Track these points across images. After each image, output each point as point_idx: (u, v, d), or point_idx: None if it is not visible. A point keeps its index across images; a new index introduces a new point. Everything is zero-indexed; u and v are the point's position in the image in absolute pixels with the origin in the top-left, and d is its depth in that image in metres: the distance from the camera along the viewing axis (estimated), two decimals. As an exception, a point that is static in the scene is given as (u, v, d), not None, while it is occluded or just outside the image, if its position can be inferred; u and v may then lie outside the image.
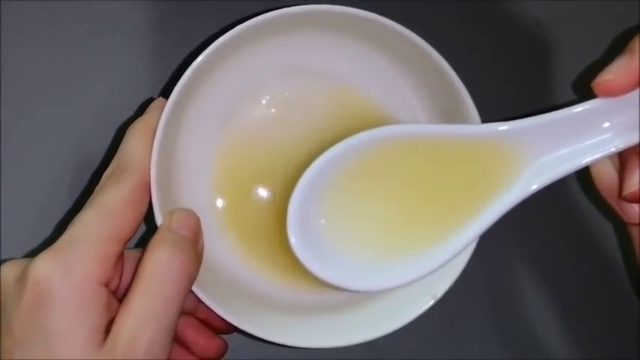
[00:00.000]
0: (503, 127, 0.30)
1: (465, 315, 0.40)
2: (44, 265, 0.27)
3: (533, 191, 0.30)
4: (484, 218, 0.30)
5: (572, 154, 0.29)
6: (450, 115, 0.34)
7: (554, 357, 0.40)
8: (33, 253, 0.28)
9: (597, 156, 0.29)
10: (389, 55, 0.35)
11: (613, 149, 0.29)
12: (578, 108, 0.29)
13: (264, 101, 0.36)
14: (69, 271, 0.27)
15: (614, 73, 0.28)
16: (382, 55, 0.35)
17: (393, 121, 0.36)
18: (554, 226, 0.41)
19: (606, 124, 0.29)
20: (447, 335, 0.39)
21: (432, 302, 0.32)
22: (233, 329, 0.33)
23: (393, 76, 0.35)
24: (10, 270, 0.28)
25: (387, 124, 0.35)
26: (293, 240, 0.30)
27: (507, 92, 0.41)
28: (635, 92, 0.28)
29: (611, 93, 0.28)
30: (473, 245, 0.33)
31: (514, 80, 0.41)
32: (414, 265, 0.30)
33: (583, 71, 0.41)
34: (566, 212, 0.41)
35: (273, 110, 0.36)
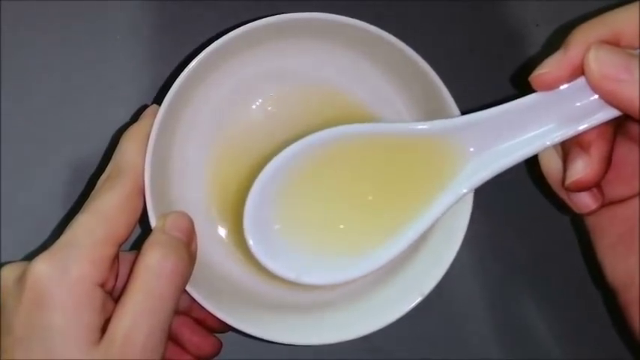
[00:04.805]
0: (422, 126, 0.31)
1: (464, 315, 0.40)
2: (42, 266, 0.28)
3: (476, 186, 0.30)
4: (430, 213, 0.30)
5: (513, 148, 0.30)
6: (435, 116, 0.34)
7: (554, 357, 0.40)
8: (31, 256, 0.29)
9: (536, 148, 0.29)
10: (375, 60, 0.35)
11: (548, 142, 0.29)
12: (516, 102, 0.29)
13: (255, 106, 0.37)
14: (65, 273, 0.28)
15: (549, 67, 0.28)
16: (369, 60, 0.36)
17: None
18: (554, 226, 0.41)
19: (545, 117, 0.29)
20: (447, 335, 0.40)
21: (419, 299, 0.33)
22: (227, 328, 0.33)
23: (379, 80, 0.36)
24: (10, 272, 0.29)
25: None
26: (251, 242, 0.31)
27: (507, 92, 0.40)
28: (572, 85, 0.28)
29: (546, 86, 0.28)
30: (458, 244, 0.33)
31: (514, 80, 0.41)
32: (364, 261, 0.31)
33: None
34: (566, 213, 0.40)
35: (265, 115, 0.37)
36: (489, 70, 0.41)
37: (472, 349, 0.40)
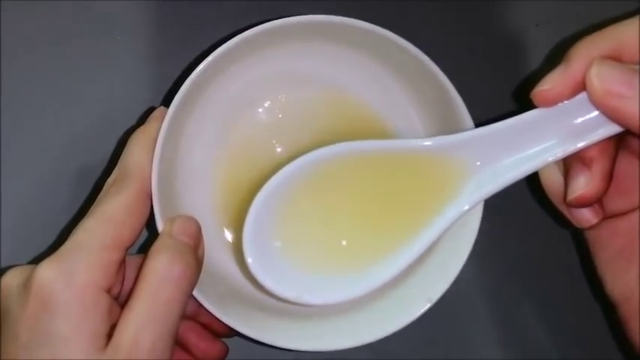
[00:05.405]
0: (425, 142, 0.30)
1: (464, 315, 0.40)
2: (48, 271, 0.27)
3: (478, 202, 0.30)
4: (432, 230, 0.30)
5: (514, 165, 0.29)
6: (445, 120, 0.34)
7: (554, 357, 0.40)
8: (36, 260, 0.28)
9: (537, 165, 0.29)
10: (384, 62, 0.35)
11: (550, 158, 0.29)
12: (518, 118, 0.29)
13: (264, 108, 0.37)
14: (71, 278, 0.27)
15: (550, 82, 0.28)
16: (378, 63, 0.35)
17: (388, 127, 0.36)
18: (554, 227, 0.40)
19: (547, 133, 0.29)
20: (447, 335, 0.40)
21: (427, 306, 0.33)
22: (234, 333, 0.33)
23: (388, 83, 0.36)
24: (14, 276, 0.28)
25: (382, 130, 0.36)
26: (249, 260, 0.30)
27: (507, 93, 0.41)
28: (574, 100, 0.28)
29: (548, 102, 0.28)
30: (466, 253, 0.33)
31: (514, 81, 0.41)
32: (366, 279, 0.30)
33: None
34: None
35: (273, 118, 0.37)
36: (490, 70, 0.41)
37: (472, 350, 0.40)
